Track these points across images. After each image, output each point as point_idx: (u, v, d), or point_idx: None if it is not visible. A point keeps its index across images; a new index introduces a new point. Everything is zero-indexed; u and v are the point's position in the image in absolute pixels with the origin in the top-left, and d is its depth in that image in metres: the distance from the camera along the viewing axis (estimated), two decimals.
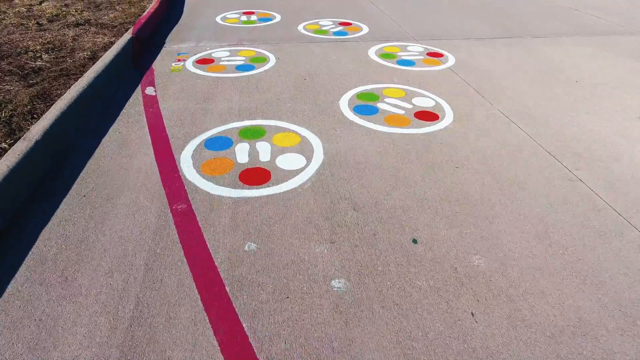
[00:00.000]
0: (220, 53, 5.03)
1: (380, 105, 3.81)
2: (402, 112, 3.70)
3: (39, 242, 2.23)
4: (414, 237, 2.30)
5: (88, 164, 2.89)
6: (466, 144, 3.25)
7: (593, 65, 4.90)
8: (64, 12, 5.95)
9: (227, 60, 4.79)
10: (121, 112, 3.61)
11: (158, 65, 4.66)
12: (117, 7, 6.36)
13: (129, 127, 3.38)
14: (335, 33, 5.87)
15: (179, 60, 4.80)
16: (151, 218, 2.40)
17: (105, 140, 3.19)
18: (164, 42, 5.40)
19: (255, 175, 2.78)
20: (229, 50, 5.08)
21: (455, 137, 3.35)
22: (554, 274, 2.13)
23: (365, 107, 3.76)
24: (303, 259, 2.15)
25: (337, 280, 2.01)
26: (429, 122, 3.54)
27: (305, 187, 2.69)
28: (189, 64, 4.68)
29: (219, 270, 2.05)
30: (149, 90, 4.02)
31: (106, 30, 5.37)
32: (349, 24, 6.31)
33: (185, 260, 2.11)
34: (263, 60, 4.82)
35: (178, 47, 5.20)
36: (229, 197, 2.57)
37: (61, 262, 2.11)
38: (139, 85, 4.13)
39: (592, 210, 2.58)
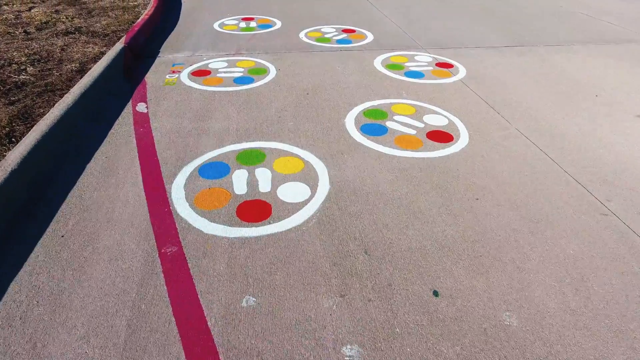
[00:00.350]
0: (217, 64, 4.75)
1: (389, 124, 3.53)
2: (413, 132, 3.42)
3: (6, 297, 1.95)
4: (435, 289, 2.03)
5: (69, 196, 2.61)
6: (484, 170, 2.97)
7: (611, 76, 4.63)
8: (54, 19, 5.67)
9: (224, 72, 4.51)
10: (109, 132, 3.33)
11: (151, 77, 4.38)
12: (110, 14, 6.08)
13: (117, 150, 3.10)
14: (339, 41, 5.60)
15: (173, 72, 4.52)
16: (137, 264, 2.12)
17: (90, 166, 2.91)
18: (159, 52, 5.12)
19: (255, 210, 2.50)
20: (227, 61, 4.80)
21: (472, 161, 3.07)
22: (596, 335, 1.86)
23: (374, 126, 3.48)
24: (309, 317, 1.87)
25: (349, 347, 1.74)
26: (443, 144, 3.26)
27: (310, 224, 2.41)
28: (184, 76, 4.40)
29: (212, 334, 1.78)
30: (140, 107, 3.74)
31: (97, 39, 5.08)
32: (353, 31, 6.04)
33: (173, 320, 1.83)
34: (263, 71, 4.54)
35: (173, 57, 4.92)
36: (225, 238, 2.30)
37: (31, 323, 1.83)
38: (130, 101, 3.85)
39: (630, 251, 2.30)
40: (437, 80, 4.43)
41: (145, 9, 6.47)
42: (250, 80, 4.32)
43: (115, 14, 6.06)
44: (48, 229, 2.35)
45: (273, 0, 7.63)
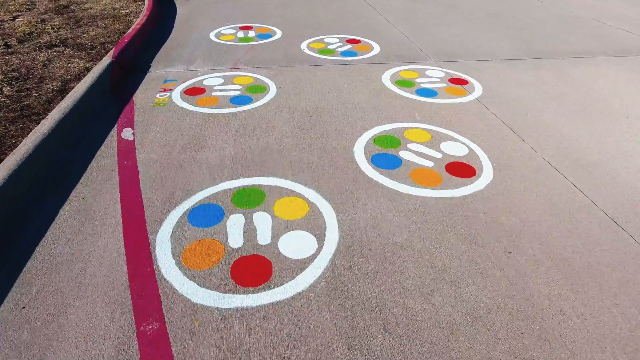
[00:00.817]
0: (212, 80, 4.38)
1: (403, 154, 3.16)
2: (430, 164, 3.06)
3: None
4: None
5: (37, 251, 2.24)
6: (513, 212, 2.61)
7: (638, 94, 4.27)
8: (39, 30, 5.30)
9: (220, 91, 4.14)
10: (89, 166, 2.96)
11: (140, 96, 4.01)
12: (100, 23, 5.71)
13: (96, 189, 2.73)
14: (343, 53, 5.23)
15: (164, 90, 4.15)
16: (109, 349, 1.75)
17: (64, 211, 2.54)
18: (150, 65, 4.75)
19: (252, 269, 2.14)
20: (223, 77, 4.43)
21: (499, 201, 2.71)
22: None
23: (386, 157, 3.12)
24: None
25: None
26: (465, 180, 2.90)
27: (317, 289, 2.05)
28: (176, 95, 4.04)
29: None
30: (126, 133, 3.37)
31: (83, 52, 4.71)
32: (358, 41, 5.67)
33: None
34: (262, 89, 4.17)
35: (165, 72, 4.55)
36: (217, 310, 1.93)
37: None
38: (115, 126, 3.48)
39: None
40: (451, 100, 4.06)
41: (138, 17, 6.10)
42: (248, 100, 3.95)
43: (105, 24, 5.69)
44: (8, 298, 1.98)
45: (272, 7, 7.26)
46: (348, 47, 5.46)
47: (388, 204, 2.64)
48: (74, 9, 6.30)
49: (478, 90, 4.30)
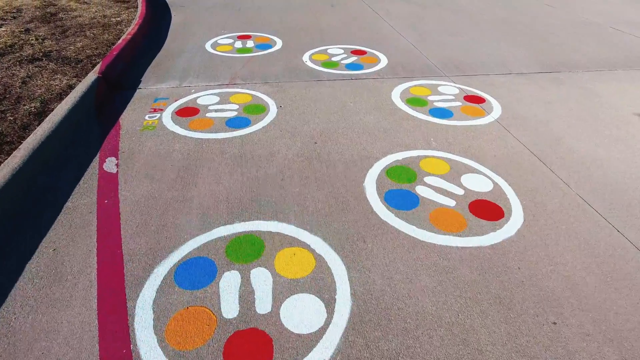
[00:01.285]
0: (207, 98, 4.02)
1: (420, 190, 2.81)
2: (452, 203, 2.70)
3: None
4: None
5: None
6: (554, 269, 2.25)
7: None
8: (22, 41, 4.93)
9: (215, 111, 3.78)
10: (65, 206, 2.60)
11: (127, 117, 3.65)
12: (88, 33, 5.35)
13: (70, 236, 2.37)
14: (349, 66, 4.87)
15: (154, 111, 3.79)
16: None
17: (30, 267, 2.18)
18: (140, 81, 4.39)
19: (249, 348, 1.78)
20: (219, 94, 4.07)
21: (534, 253, 2.35)
22: None
23: (401, 194, 2.76)
24: None
25: None
26: (493, 223, 2.54)
27: None
28: (167, 117, 3.68)
29: None
30: (109, 165, 3.01)
31: (68, 67, 4.35)
32: (363, 52, 5.31)
33: None
34: (261, 109, 3.81)
35: (156, 89, 4.19)
36: None
37: None
38: (97, 155, 3.12)
39: None
40: (469, 122, 3.71)
41: (130, 25, 5.74)
42: (246, 123, 3.59)
43: (93, 33, 5.33)
44: None
45: (273, 13, 6.89)
46: (353, 59, 5.10)
47: (407, 256, 2.29)
48: (62, 17, 5.94)
49: (496, 109, 3.94)
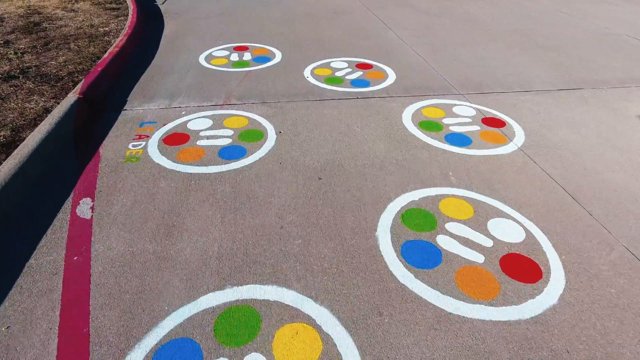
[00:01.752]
0: (199, 122, 3.63)
1: (442, 241, 2.42)
2: (480, 258, 2.31)
3: None
4: None
5: None
6: (603, 351, 1.87)
7: None
8: None
9: (207, 138, 3.39)
10: (26, 265, 2.22)
11: (109, 146, 3.27)
12: (72, 45, 4.96)
13: (27, 312, 1.98)
14: (354, 83, 4.48)
15: (139, 138, 3.40)
16: None
17: None
18: (126, 101, 4.00)
19: None
20: (212, 117, 3.68)
21: (583, 328, 1.96)
22: None
23: (420, 247, 2.37)
24: None
25: None
26: (530, 286, 2.16)
27: None
28: (153, 145, 3.29)
29: None
30: (83, 208, 2.63)
31: (46, 85, 3.96)
32: (369, 66, 4.92)
33: None
34: (258, 136, 3.42)
35: (143, 111, 3.80)
36: None
37: None
38: (71, 195, 2.73)
39: None
40: (490, 150, 3.32)
41: (118, 36, 5.35)
42: (241, 153, 3.21)
43: (78, 46, 4.94)
44: None
45: (272, 22, 6.50)
46: (359, 74, 4.71)
47: (431, 334, 1.90)
48: (46, 27, 5.54)
49: (519, 134, 3.55)
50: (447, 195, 2.79)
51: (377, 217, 2.59)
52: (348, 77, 4.63)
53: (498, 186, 2.89)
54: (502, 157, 3.25)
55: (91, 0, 6.91)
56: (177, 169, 3.01)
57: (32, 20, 5.77)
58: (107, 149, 3.24)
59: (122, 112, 3.80)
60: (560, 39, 6.01)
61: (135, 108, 3.87)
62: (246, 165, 3.06)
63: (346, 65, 4.94)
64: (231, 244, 2.37)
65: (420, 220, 2.56)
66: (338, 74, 4.70)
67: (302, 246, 2.36)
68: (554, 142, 3.45)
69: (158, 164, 3.06)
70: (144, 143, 3.32)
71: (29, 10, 6.22)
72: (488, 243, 2.42)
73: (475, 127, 3.66)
